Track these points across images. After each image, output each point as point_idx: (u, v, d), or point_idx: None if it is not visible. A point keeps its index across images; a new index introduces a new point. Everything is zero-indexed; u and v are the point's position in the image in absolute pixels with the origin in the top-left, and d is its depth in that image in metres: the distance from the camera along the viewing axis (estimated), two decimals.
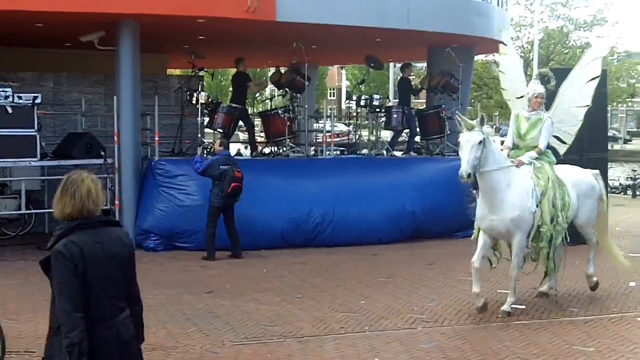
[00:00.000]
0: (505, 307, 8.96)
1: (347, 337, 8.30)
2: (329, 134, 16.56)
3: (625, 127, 71.02)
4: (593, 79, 9.99)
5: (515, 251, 9.05)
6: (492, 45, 17.49)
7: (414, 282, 11.10)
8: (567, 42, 44.85)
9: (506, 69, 10.52)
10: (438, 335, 8.37)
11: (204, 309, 9.43)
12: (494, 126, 47.05)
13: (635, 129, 71.53)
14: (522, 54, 43.56)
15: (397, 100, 17.36)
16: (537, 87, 9.47)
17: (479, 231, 9.35)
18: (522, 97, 9.73)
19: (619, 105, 60.96)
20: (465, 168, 8.41)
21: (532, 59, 35.15)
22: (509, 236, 9.02)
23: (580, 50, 40.24)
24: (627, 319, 8.96)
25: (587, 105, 9.99)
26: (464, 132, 8.62)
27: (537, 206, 8.91)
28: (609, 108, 51.56)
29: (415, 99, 20.35)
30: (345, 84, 67.51)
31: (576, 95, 10.02)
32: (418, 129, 16.67)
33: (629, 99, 59.11)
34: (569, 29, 42.48)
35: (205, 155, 13.47)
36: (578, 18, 42.90)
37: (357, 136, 17.90)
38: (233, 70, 17.58)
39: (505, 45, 10.71)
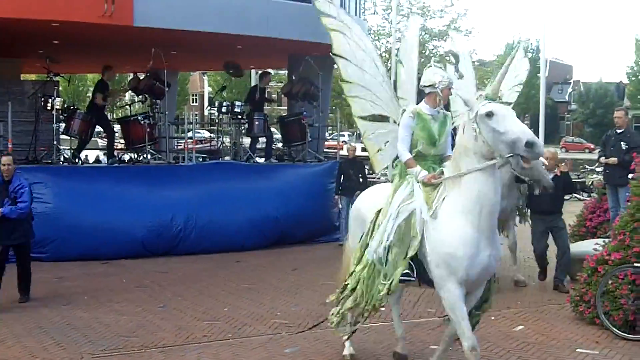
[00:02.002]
0: None
1: (210, 345, 8.26)
2: (191, 140, 16.42)
3: None
4: None
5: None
6: None
7: (278, 287, 11.17)
8: (423, 51, 46.27)
9: (346, 52, 7.44)
10: (301, 340, 8.46)
11: (61, 321, 9.15)
12: (355, 133, 47.86)
13: None
14: None
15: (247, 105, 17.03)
16: (447, 75, 6.75)
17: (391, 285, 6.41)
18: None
19: None
20: None
21: (390, 67, 36.09)
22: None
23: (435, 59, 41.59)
24: None
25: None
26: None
27: None
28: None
29: (267, 105, 20.33)
30: (207, 90, 67.06)
31: None
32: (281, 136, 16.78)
33: None
34: (425, 39, 43.77)
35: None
36: (434, 28, 44.32)
37: (219, 143, 17.82)
38: (91, 76, 17.11)
39: (333, 17, 7.44)
